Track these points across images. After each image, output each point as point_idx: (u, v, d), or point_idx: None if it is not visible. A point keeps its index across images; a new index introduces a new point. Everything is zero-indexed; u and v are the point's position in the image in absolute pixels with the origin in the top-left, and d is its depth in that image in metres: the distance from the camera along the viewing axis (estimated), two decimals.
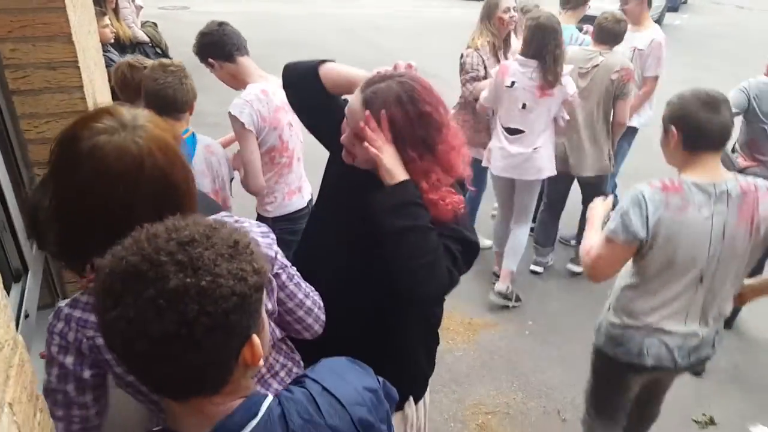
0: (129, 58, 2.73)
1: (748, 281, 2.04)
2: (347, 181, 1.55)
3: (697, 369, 2.17)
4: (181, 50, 3.23)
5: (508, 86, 3.30)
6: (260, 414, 0.83)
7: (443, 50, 9.04)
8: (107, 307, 0.74)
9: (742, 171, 3.18)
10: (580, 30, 4.23)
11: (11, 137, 1.81)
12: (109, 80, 2.63)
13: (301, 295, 1.31)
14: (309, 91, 1.60)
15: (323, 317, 1.38)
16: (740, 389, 3.14)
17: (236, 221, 1.21)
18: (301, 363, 1.46)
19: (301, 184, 2.71)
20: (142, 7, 5.79)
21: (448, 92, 4.21)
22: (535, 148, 3.40)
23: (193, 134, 2.36)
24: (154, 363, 0.75)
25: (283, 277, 1.26)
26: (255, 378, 1.31)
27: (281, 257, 1.26)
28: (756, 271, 2.81)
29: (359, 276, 1.50)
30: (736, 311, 3.44)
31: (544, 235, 4.08)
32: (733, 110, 2.51)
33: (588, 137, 3.64)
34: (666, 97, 1.96)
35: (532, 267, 4.09)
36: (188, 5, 12.91)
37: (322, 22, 11.96)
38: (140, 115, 1.08)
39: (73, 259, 1.11)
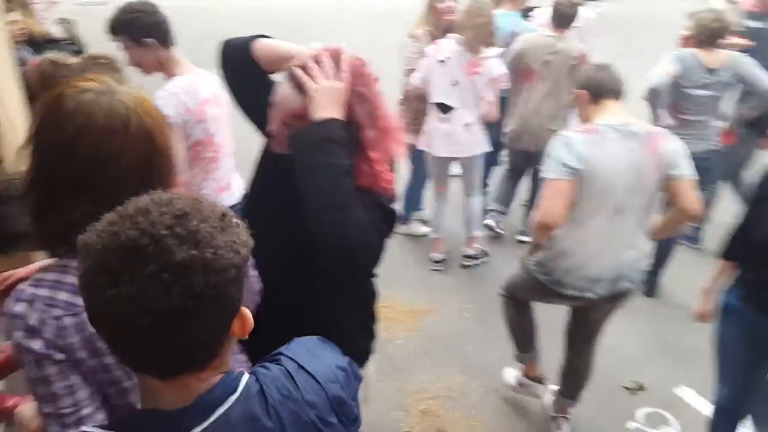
0: (50, 55, 2.59)
1: (654, 220, 2.39)
2: (276, 169, 1.52)
3: (617, 301, 2.44)
4: (100, 48, 3.09)
5: (441, 61, 3.52)
6: (239, 389, 0.84)
7: (386, 43, 9.09)
8: (103, 284, 0.72)
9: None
10: (526, 17, 4.39)
11: None
12: (24, 80, 2.48)
13: None
14: (241, 66, 1.56)
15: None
16: (666, 356, 3.32)
17: None
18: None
19: (230, 180, 2.66)
20: (56, 2, 5.50)
21: (392, 85, 4.26)
22: (466, 124, 3.63)
23: None
24: (154, 340, 0.74)
25: None
26: None
27: None
28: None
29: (286, 250, 1.46)
30: (653, 276, 3.72)
31: (504, 195, 4.34)
32: (670, 78, 3.34)
33: (548, 117, 3.85)
34: None
35: (487, 221, 4.29)
36: (106, 0, 12.37)
37: (257, 17, 11.69)
38: (128, 85, 1.10)
39: (50, 235, 1.05)
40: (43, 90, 2.40)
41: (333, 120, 1.34)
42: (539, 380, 2.86)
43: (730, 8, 4.62)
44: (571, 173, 2.14)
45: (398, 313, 3.54)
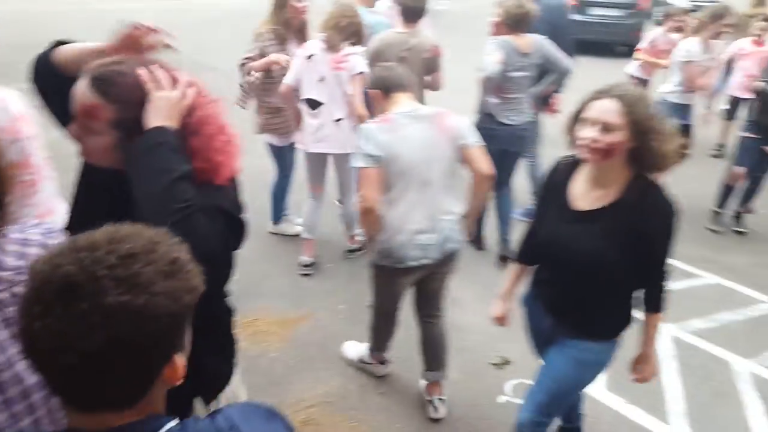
0: None
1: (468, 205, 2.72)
2: (89, 182, 1.45)
3: (450, 263, 2.72)
4: None
5: (307, 57, 3.62)
6: (162, 430, 0.83)
7: (223, 42, 8.78)
8: (34, 314, 0.73)
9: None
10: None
11: None
12: None
13: None
14: (45, 75, 1.49)
15: None
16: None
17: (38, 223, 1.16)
18: None
19: (53, 205, 2.41)
20: None
21: (228, 85, 4.12)
22: (336, 120, 3.70)
23: None
24: (76, 377, 0.74)
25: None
26: None
27: None
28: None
29: None
30: (477, 236, 4.26)
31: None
32: (500, 65, 3.70)
33: None
34: None
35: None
36: None
37: (90, 21, 10.79)
38: None
39: None
40: None
41: (167, 128, 1.30)
42: (382, 362, 3.12)
43: None
44: (374, 160, 2.45)
45: (269, 324, 3.44)
